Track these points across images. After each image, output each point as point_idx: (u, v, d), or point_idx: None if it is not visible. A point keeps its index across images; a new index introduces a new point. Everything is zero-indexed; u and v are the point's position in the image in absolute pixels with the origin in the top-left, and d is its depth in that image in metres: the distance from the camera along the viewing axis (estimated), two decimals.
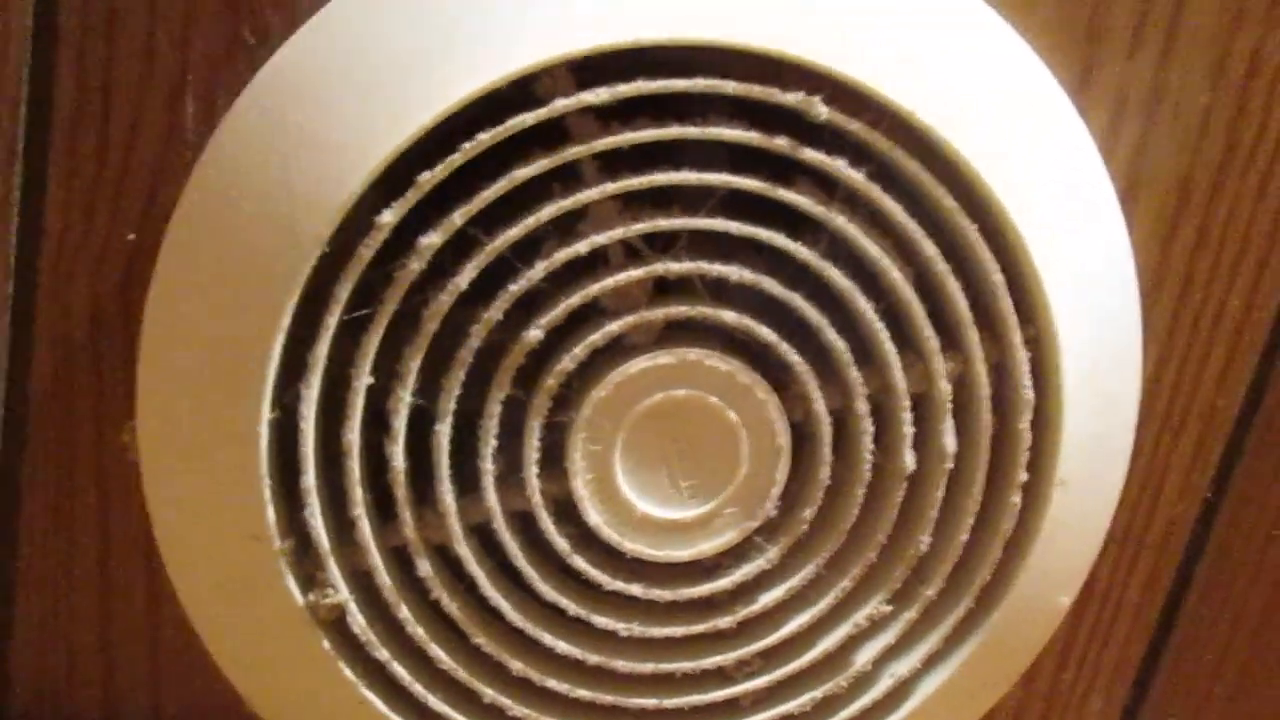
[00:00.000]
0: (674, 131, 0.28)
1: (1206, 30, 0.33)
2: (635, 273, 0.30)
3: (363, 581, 0.31)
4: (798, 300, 0.30)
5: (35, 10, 0.30)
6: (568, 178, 0.29)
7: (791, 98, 0.28)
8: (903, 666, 0.34)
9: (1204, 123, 0.35)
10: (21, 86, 0.31)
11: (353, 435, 0.30)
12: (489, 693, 0.32)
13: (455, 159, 0.28)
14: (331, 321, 0.29)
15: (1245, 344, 0.37)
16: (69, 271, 0.33)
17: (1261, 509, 0.40)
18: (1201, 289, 0.36)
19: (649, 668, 0.33)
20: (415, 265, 0.28)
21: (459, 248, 0.29)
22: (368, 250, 0.28)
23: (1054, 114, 0.32)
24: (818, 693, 0.34)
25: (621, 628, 0.32)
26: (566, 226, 0.29)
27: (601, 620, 0.32)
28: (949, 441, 0.32)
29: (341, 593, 0.31)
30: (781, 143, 0.29)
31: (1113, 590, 0.40)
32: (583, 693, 0.33)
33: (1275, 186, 0.35)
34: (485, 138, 0.28)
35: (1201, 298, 0.36)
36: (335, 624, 0.31)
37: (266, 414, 0.29)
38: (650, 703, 0.33)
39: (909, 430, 0.32)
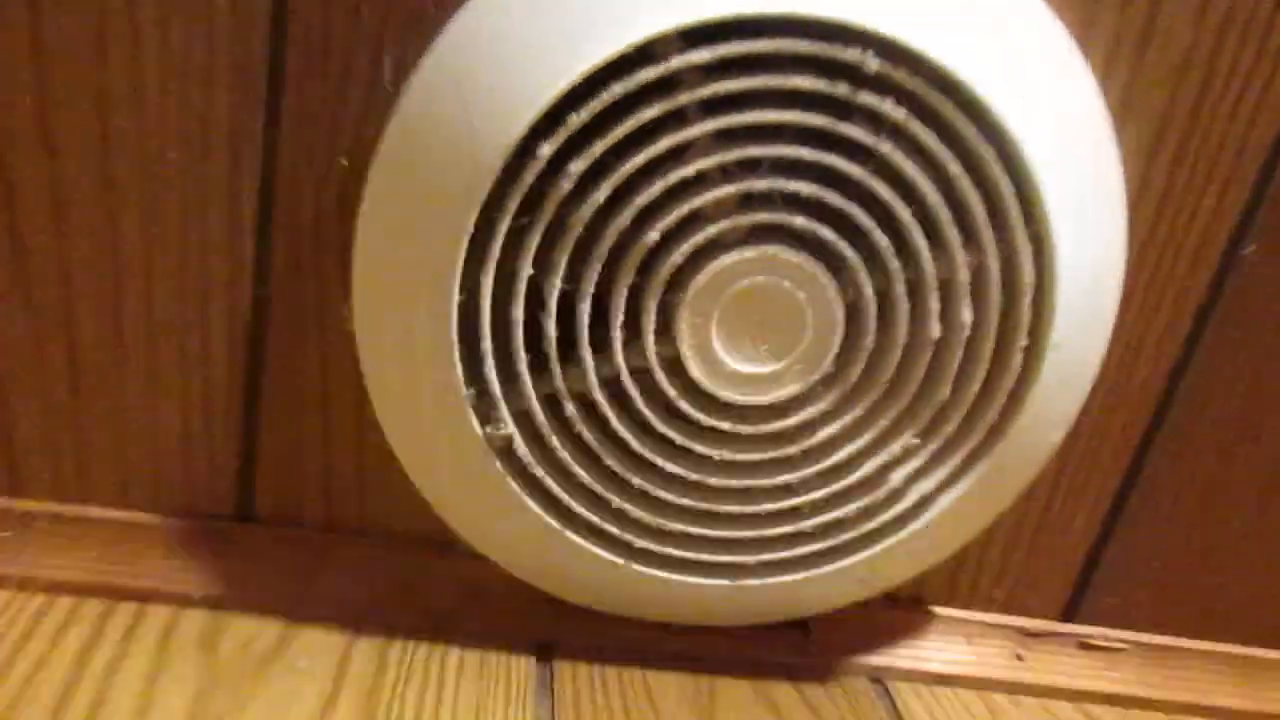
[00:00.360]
0: (764, 81, 0.34)
1: None
2: (729, 189, 0.36)
3: (525, 419, 0.38)
4: (853, 208, 0.36)
5: None
6: (676, 117, 0.35)
7: (850, 54, 0.34)
8: (927, 485, 0.40)
9: (1185, 59, 0.38)
10: (262, 49, 0.37)
11: (518, 311, 0.36)
12: (616, 500, 0.39)
13: (596, 105, 0.34)
14: (503, 228, 0.35)
15: (1213, 238, 0.41)
16: (299, 189, 0.38)
17: (1222, 368, 0.44)
18: (1179, 195, 0.40)
19: (735, 483, 0.40)
20: (565, 185, 0.35)
21: (596, 170, 0.35)
22: (530, 174, 0.35)
23: (1059, 55, 0.37)
24: (861, 503, 0.40)
25: (715, 454, 0.39)
26: (675, 155, 0.35)
27: (700, 448, 0.39)
28: (966, 316, 0.38)
29: (510, 427, 0.38)
30: (843, 89, 0.35)
31: (1097, 430, 0.44)
32: (685, 501, 0.40)
33: (1243, 112, 0.39)
34: (619, 89, 0.34)
35: (1179, 202, 0.40)
36: (505, 450, 0.38)
37: (455, 295, 0.36)
38: (735, 509, 0.40)
39: (935, 307, 0.38)
